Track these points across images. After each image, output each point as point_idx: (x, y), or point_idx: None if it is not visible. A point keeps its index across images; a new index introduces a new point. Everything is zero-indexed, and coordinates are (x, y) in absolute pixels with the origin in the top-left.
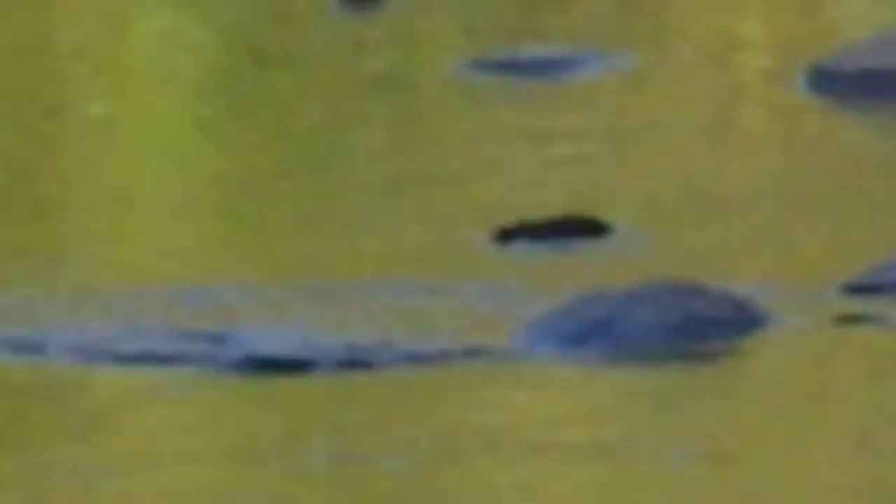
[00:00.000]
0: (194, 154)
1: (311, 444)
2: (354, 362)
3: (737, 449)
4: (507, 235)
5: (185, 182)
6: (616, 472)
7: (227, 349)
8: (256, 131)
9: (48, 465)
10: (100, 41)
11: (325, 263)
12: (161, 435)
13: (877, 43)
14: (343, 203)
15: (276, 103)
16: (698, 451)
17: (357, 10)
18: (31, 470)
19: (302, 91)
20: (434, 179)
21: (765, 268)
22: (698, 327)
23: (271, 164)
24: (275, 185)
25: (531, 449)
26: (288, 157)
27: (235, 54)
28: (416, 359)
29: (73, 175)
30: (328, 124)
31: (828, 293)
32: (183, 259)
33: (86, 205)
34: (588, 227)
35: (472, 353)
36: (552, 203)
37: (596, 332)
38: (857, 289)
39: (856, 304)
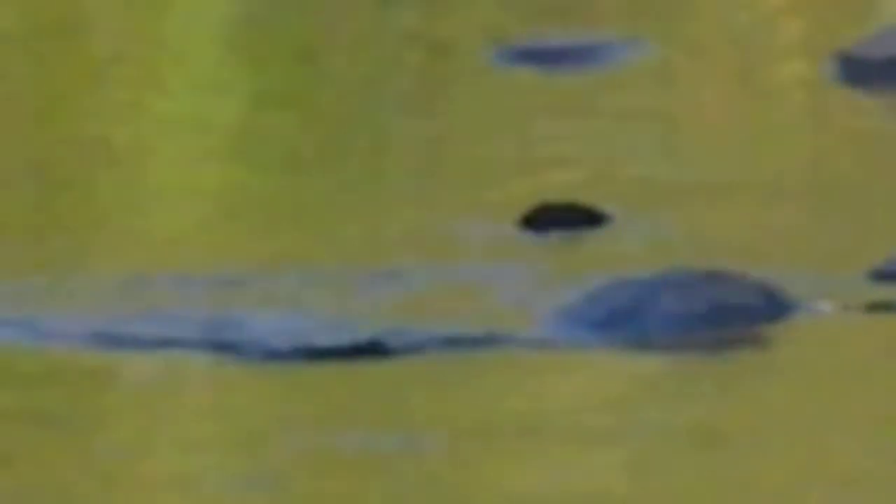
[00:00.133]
0: (217, 138)
1: (334, 430)
2: (376, 348)
3: (763, 436)
4: (530, 221)
5: (211, 168)
6: (638, 457)
7: (243, 335)
8: (286, 119)
9: (65, 450)
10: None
11: (345, 249)
12: (176, 420)
13: None
14: (365, 189)
15: (306, 94)
16: (724, 438)
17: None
18: (48, 455)
19: (333, 81)
20: (460, 166)
21: (792, 255)
22: (725, 314)
23: (295, 150)
24: (297, 170)
25: (558, 433)
26: (313, 146)
27: (274, 46)
28: (444, 343)
29: (99, 160)
30: (357, 111)
31: (855, 280)
32: (198, 245)
33: (109, 190)
34: (597, 216)
35: (500, 339)
36: (575, 188)
37: (623, 319)
38: (885, 275)
39: (883, 291)
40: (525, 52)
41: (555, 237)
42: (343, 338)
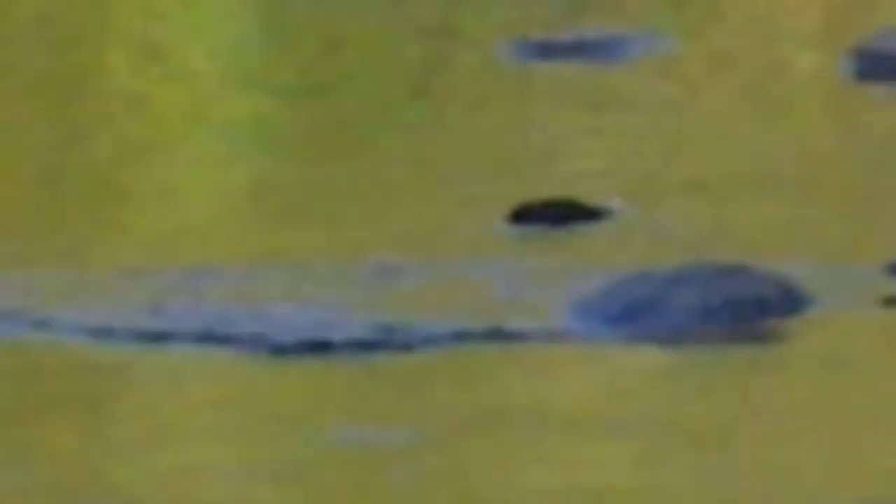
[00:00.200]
0: (229, 133)
1: (343, 423)
2: (388, 343)
3: (780, 429)
4: (528, 216)
5: (219, 161)
6: (652, 451)
7: (253, 329)
8: (295, 116)
9: (76, 442)
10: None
11: (350, 244)
12: (188, 413)
13: None
14: (370, 185)
15: (318, 88)
16: (739, 432)
17: None
18: (58, 446)
19: (343, 75)
20: (466, 161)
21: (808, 248)
22: (742, 308)
23: (305, 144)
24: (304, 165)
25: (570, 426)
26: (320, 140)
27: (290, 40)
28: (457, 338)
29: (118, 153)
30: (367, 104)
31: (871, 274)
32: (208, 238)
33: (126, 183)
34: (596, 212)
35: (515, 332)
36: (584, 182)
37: (640, 312)
38: None
39: None
40: (542, 45)
41: (556, 232)
42: (352, 331)
